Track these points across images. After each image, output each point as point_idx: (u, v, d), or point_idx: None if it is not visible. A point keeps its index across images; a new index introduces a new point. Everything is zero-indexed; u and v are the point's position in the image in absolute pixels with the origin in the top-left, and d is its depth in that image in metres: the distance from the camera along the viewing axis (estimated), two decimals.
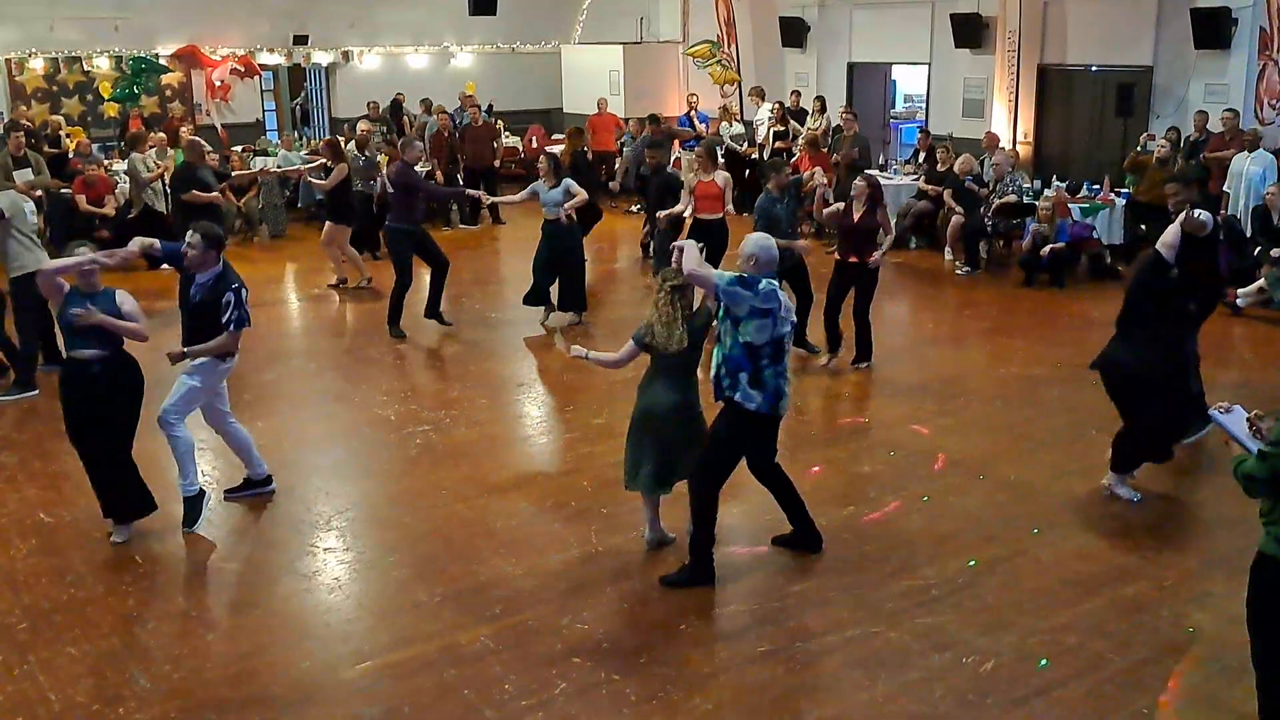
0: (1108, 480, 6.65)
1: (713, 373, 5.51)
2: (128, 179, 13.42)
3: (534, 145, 18.31)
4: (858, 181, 9.00)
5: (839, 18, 17.68)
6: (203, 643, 5.17)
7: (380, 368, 9.51)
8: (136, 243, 6.22)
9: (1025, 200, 12.88)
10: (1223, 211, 11.55)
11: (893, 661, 4.97)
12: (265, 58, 18.66)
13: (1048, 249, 12.01)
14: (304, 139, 18.03)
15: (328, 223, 12.12)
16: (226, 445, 6.69)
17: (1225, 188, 12.21)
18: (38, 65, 16.97)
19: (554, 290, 10.67)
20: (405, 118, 18.38)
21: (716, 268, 6.70)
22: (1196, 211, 7.40)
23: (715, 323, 5.58)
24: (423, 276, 10.56)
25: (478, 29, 19.76)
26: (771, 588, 5.70)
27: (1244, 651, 4.85)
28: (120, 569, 5.86)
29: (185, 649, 5.10)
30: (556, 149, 18.22)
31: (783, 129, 16.20)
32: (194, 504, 6.29)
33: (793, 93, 17.13)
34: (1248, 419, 4.14)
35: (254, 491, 6.69)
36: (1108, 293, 11.87)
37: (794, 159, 14.42)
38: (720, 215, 10.04)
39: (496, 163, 16.78)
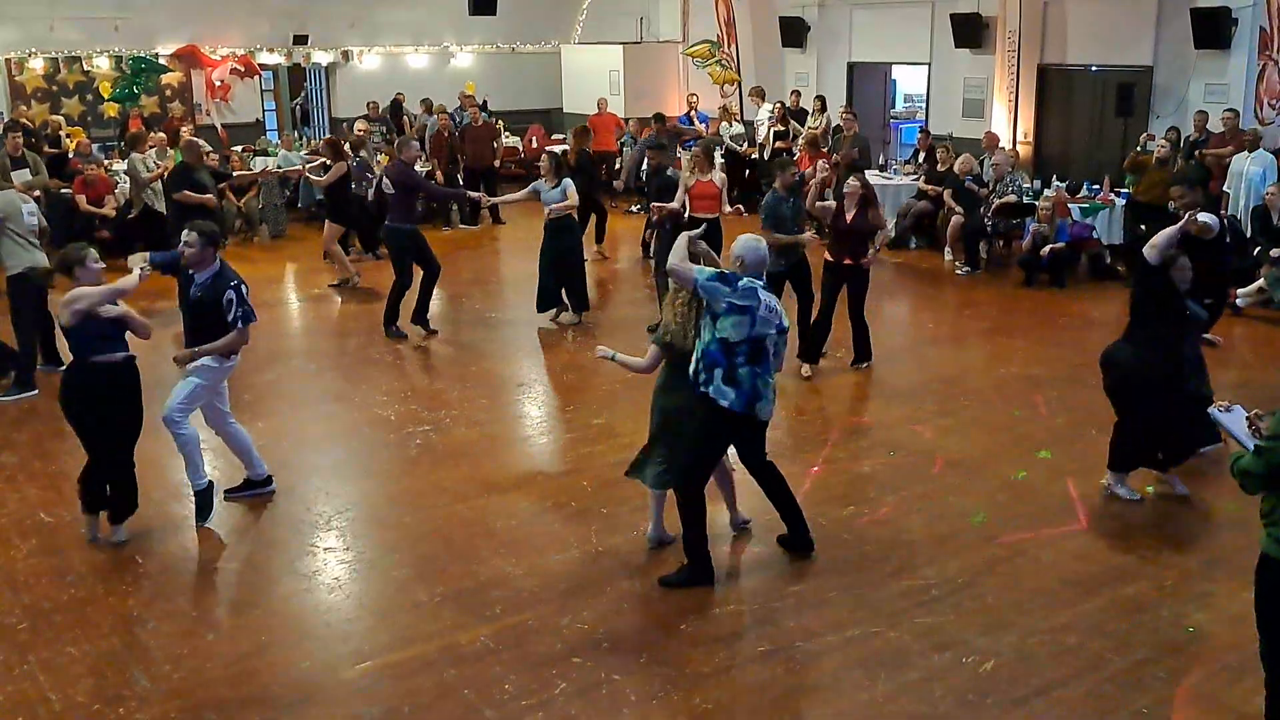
0: (1107, 480, 6.67)
1: (691, 367, 5.55)
2: (128, 179, 13.42)
3: (534, 145, 18.32)
4: (850, 181, 8.94)
5: (839, 18, 17.68)
6: (203, 643, 5.17)
7: (380, 368, 9.51)
8: (135, 269, 6.19)
9: (1025, 200, 12.88)
10: (1223, 212, 11.54)
11: (893, 661, 4.97)
12: (265, 58, 18.67)
13: (1048, 249, 12.01)
14: (304, 139, 18.03)
15: (329, 223, 12.11)
16: (226, 446, 6.69)
17: (1225, 188, 12.20)
18: (38, 65, 16.97)
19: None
20: (405, 118, 18.38)
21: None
22: (1201, 215, 7.41)
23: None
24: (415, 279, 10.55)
25: (478, 29, 19.76)
26: (771, 588, 5.70)
27: (1244, 651, 4.87)
28: (120, 569, 5.86)
29: (185, 649, 5.10)
30: (557, 149, 18.30)
31: (783, 129, 16.20)
32: (205, 496, 6.35)
33: (793, 93, 17.13)
34: (1247, 418, 4.16)
35: (254, 492, 6.69)
36: (1108, 293, 11.90)
37: (794, 159, 14.42)
38: (715, 215, 10.05)
39: (496, 163, 16.78)
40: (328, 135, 15.63)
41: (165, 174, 12.99)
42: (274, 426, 8.02)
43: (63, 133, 15.62)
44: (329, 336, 10.76)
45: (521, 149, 18.81)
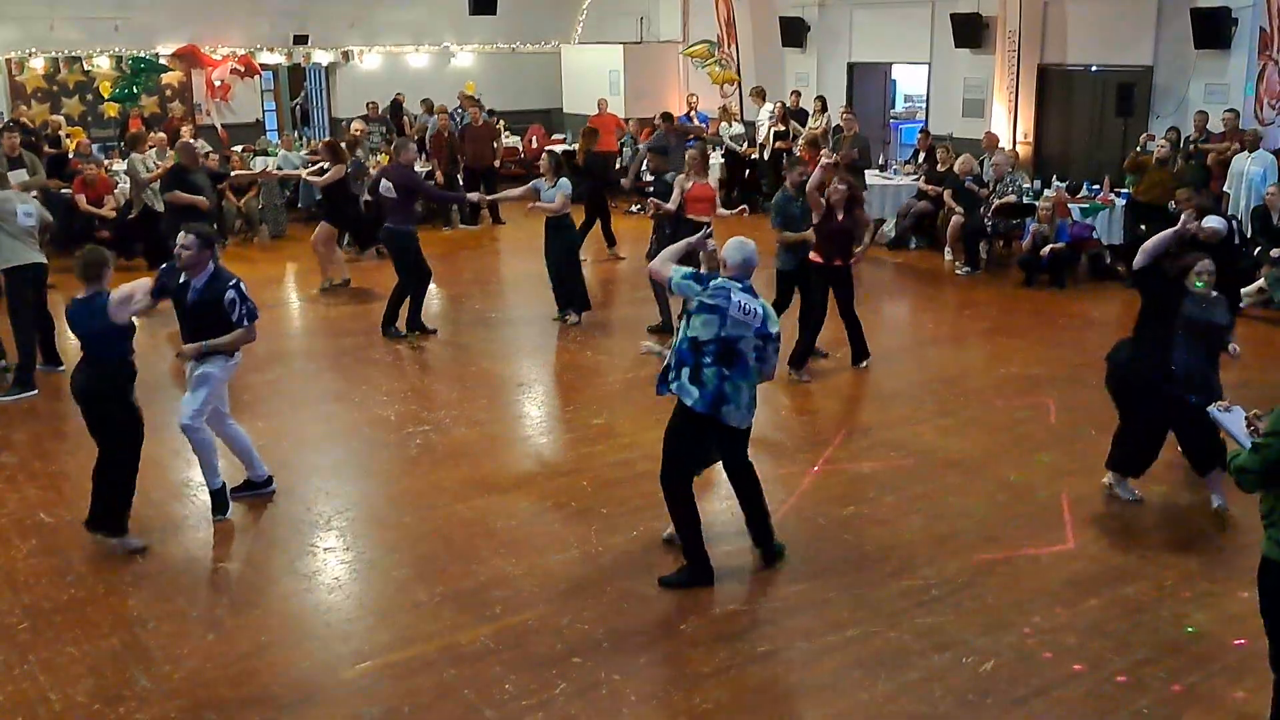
0: (1108, 479, 6.66)
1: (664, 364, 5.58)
2: (127, 179, 13.42)
3: (534, 145, 18.32)
4: (836, 184, 8.88)
5: (839, 18, 17.68)
6: (203, 643, 5.17)
7: (380, 368, 9.51)
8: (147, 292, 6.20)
9: (1025, 200, 12.88)
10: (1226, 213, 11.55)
11: (893, 661, 4.97)
12: (265, 57, 18.66)
13: (1048, 249, 12.01)
14: (304, 139, 18.03)
15: (321, 223, 12.07)
16: (226, 447, 6.69)
17: (1226, 188, 12.20)
18: (38, 65, 16.96)
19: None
20: (405, 118, 18.38)
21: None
22: (1208, 220, 7.38)
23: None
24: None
25: (478, 29, 19.76)
26: (771, 588, 5.70)
27: (1244, 651, 4.87)
28: (120, 569, 5.86)
29: (185, 649, 5.10)
30: (557, 149, 18.30)
31: (783, 129, 16.20)
32: (221, 494, 6.43)
33: (793, 93, 17.12)
34: (1246, 418, 4.16)
35: (255, 493, 6.70)
36: (1108, 293, 11.90)
37: (803, 159, 14.42)
38: (709, 218, 10.09)
39: (496, 163, 16.78)
40: (327, 137, 15.63)
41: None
42: (274, 426, 8.02)
43: (63, 133, 15.61)
44: (329, 336, 10.75)
45: (521, 149, 18.81)
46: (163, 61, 17.78)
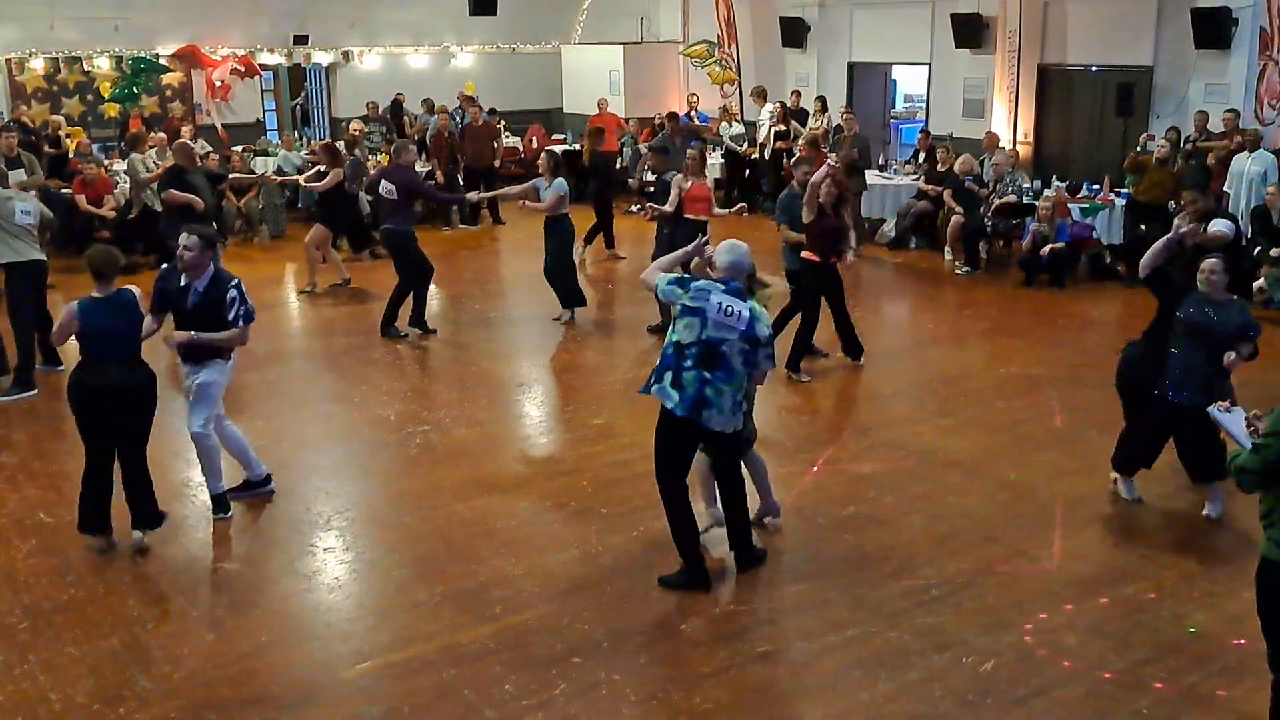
0: (1115, 476, 6.67)
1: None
2: (127, 179, 13.42)
3: (534, 145, 18.32)
4: (829, 186, 8.88)
5: (839, 18, 17.68)
6: (203, 643, 5.17)
7: (380, 368, 9.51)
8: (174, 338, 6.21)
9: (1025, 200, 12.88)
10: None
11: (893, 661, 4.96)
12: (265, 58, 18.66)
13: (1047, 249, 12.01)
14: (304, 139, 18.03)
15: (316, 225, 12.04)
16: (223, 448, 6.68)
17: (1226, 188, 12.20)
18: (38, 65, 16.96)
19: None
20: (405, 118, 18.38)
21: None
22: (1214, 225, 7.34)
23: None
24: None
25: (478, 29, 19.75)
26: (772, 588, 5.70)
27: (1244, 651, 4.87)
28: (120, 569, 5.86)
29: (185, 649, 5.10)
30: (557, 149, 18.31)
31: (784, 129, 16.20)
32: (222, 496, 6.46)
33: (793, 93, 17.12)
34: (1246, 418, 4.16)
35: (253, 493, 6.70)
36: (1107, 293, 11.91)
37: (794, 159, 14.41)
38: (706, 218, 10.12)
39: (496, 163, 16.78)
40: (327, 137, 15.61)
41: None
42: (274, 426, 8.02)
43: (62, 133, 15.61)
44: (329, 336, 10.75)
45: (521, 149, 18.81)
46: (163, 61, 17.78)
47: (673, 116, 15.96)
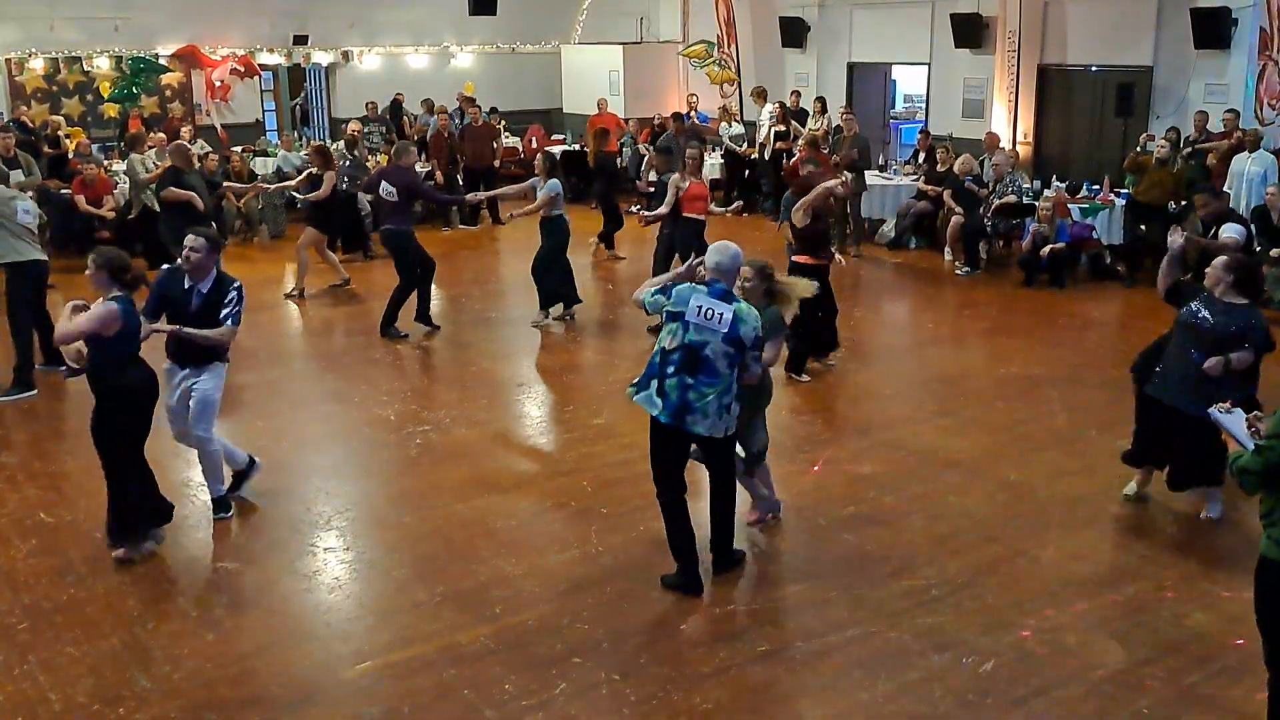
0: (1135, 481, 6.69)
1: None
2: (127, 179, 13.42)
3: (534, 145, 18.33)
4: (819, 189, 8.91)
5: (839, 18, 17.69)
6: (203, 643, 5.17)
7: (380, 368, 9.51)
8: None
9: (1025, 200, 12.89)
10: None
11: (893, 661, 4.96)
12: (265, 58, 18.66)
13: (1047, 249, 12.01)
14: (304, 139, 18.02)
15: (308, 228, 12.00)
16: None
17: (1226, 188, 12.19)
18: (38, 65, 16.96)
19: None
20: (405, 118, 18.38)
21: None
22: (1225, 230, 7.29)
23: None
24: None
25: (478, 29, 19.75)
26: (772, 588, 5.70)
27: (1244, 651, 4.87)
28: (120, 569, 5.86)
29: (185, 649, 5.10)
30: (556, 149, 18.30)
31: (784, 129, 16.20)
32: (223, 498, 6.48)
33: (793, 93, 17.12)
34: (1247, 419, 4.15)
35: (246, 483, 6.68)
36: (1107, 293, 11.91)
37: (794, 159, 14.41)
38: (704, 217, 10.13)
39: (496, 163, 16.78)
40: (327, 138, 15.59)
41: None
42: (274, 426, 8.03)
43: (62, 133, 15.62)
44: (329, 336, 10.76)
45: (521, 149, 18.82)
46: (163, 62, 17.78)
47: (677, 117, 15.94)
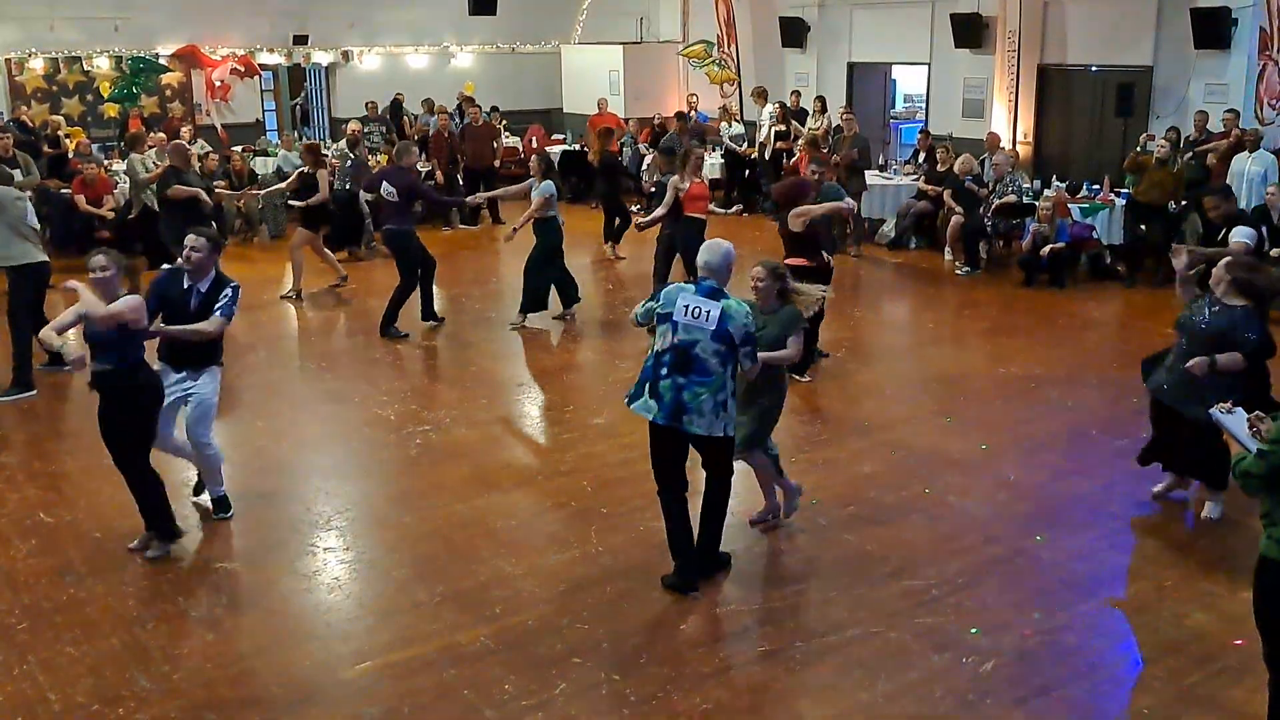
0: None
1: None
2: (127, 179, 13.42)
3: (534, 145, 18.34)
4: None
5: (839, 18, 17.69)
6: (203, 643, 5.17)
7: (380, 368, 9.51)
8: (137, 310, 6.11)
9: (1025, 200, 12.89)
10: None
11: (893, 661, 4.96)
12: (265, 58, 18.66)
13: (1048, 249, 12.01)
14: (304, 139, 18.02)
15: (300, 229, 11.97)
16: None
17: None
18: (38, 65, 16.97)
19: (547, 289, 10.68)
20: (405, 118, 18.38)
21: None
22: (1235, 235, 7.26)
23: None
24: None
25: (478, 29, 19.76)
26: (771, 588, 5.70)
27: (1244, 651, 4.87)
28: (120, 569, 5.86)
29: (185, 649, 5.10)
30: (556, 149, 18.32)
31: (784, 129, 16.21)
32: (223, 498, 6.47)
33: (793, 93, 17.13)
34: (1248, 420, 4.15)
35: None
36: (1107, 293, 11.91)
37: (794, 159, 14.42)
38: (705, 217, 10.14)
39: (496, 163, 16.78)
40: (307, 140, 15.52)
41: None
42: (274, 427, 8.03)
43: (62, 133, 15.62)
44: (329, 336, 10.76)
45: (521, 149, 18.82)
46: (163, 61, 17.79)
47: (680, 116, 15.93)
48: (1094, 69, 14.73)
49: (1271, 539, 3.86)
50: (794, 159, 14.40)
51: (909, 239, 14.17)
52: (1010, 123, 15.17)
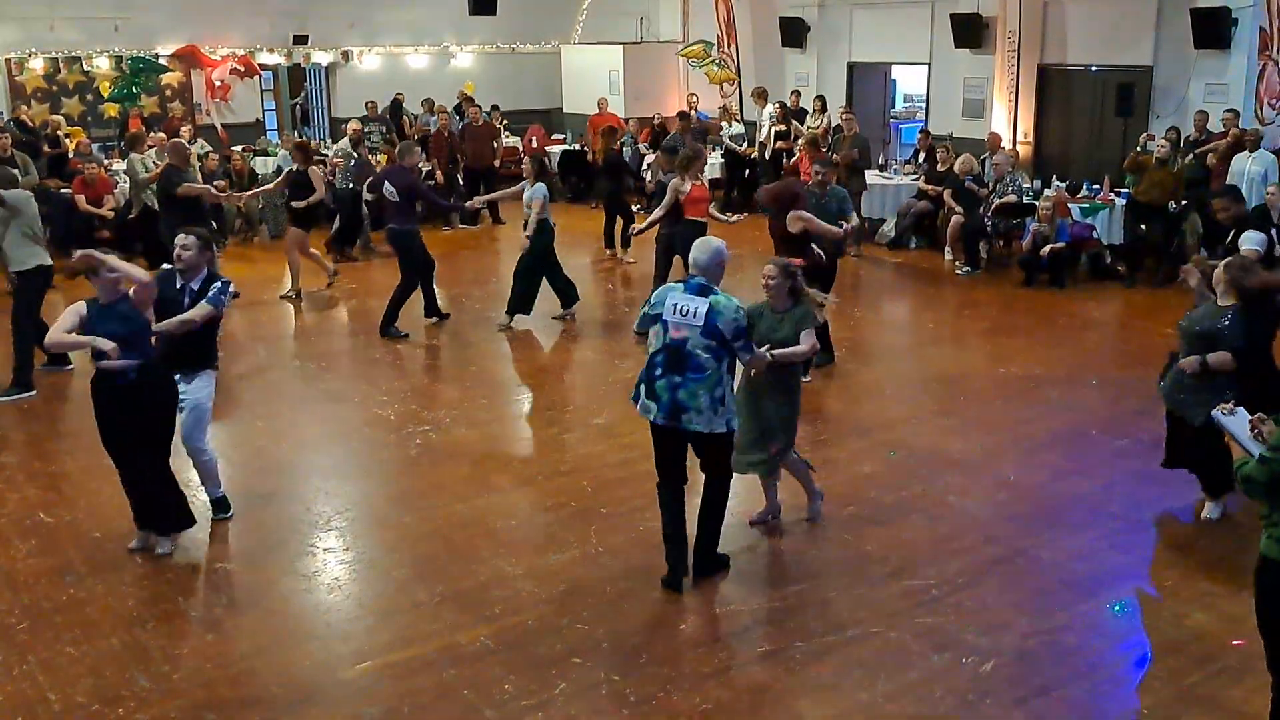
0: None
1: None
2: (127, 179, 13.42)
3: (534, 145, 18.34)
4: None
5: (839, 18, 17.69)
6: (203, 643, 5.17)
7: (380, 368, 9.52)
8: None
9: (1025, 200, 12.88)
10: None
11: (893, 661, 4.96)
12: (265, 58, 18.66)
13: (1048, 249, 12.01)
14: (305, 139, 18.01)
15: (290, 228, 11.93)
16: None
17: None
18: (38, 65, 16.96)
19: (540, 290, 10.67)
20: (405, 118, 18.38)
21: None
22: (1245, 240, 7.23)
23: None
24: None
25: (478, 29, 19.76)
26: (771, 588, 5.70)
27: (1244, 651, 4.87)
28: (120, 569, 5.86)
29: (185, 649, 5.10)
30: (556, 149, 18.32)
31: (784, 128, 16.20)
32: (223, 502, 6.46)
33: (793, 93, 17.13)
34: (1250, 421, 4.15)
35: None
36: (1107, 293, 11.90)
37: (794, 159, 14.42)
38: (706, 219, 10.13)
39: (496, 162, 16.78)
40: (297, 138, 15.49)
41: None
42: (274, 427, 8.03)
43: (62, 132, 15.62)
44: (329, 336, 10.76)
45: (521, 149, 18.81)
46: (163, 61, 17.78)
47: (683, 115, 15.93)
48: (1094, 69, 14.73)
49: (1272, 539, 3.85)
50: (794, 159, 14.40)
51: (909, 239, 14.17)
52: (1010, 123, 15.17)
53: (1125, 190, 12.83)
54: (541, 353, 10.08)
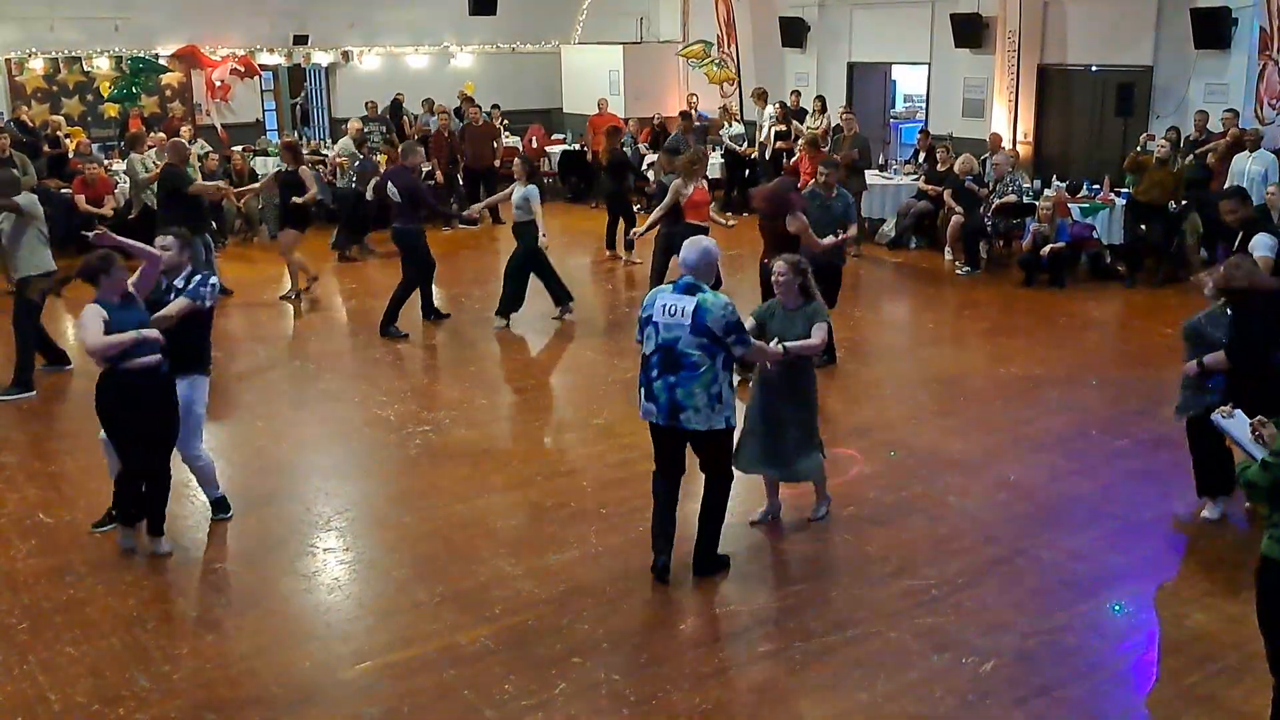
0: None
1: None
2: (127, 179, 13.42)
3: (534, 145, 18.35)
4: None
5: (839, 18, 17.69)
6: (203, 643, 5.17)
7: (380, 368, 9.51)
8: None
9: (1025, 200, 12.88)
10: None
11: (893, 661, 4.96)
12: (265, 58, 18.66)
13: (1048, 249, 12.01)
14: (304, 139, 18.03)
15: (285, 229, 11.85)
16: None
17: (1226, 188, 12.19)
18: (38, 65, 16.96)
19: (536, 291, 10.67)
20: (405, 118, 18.38)
21: None
22: (1256, 246, 7.24)
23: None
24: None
25: (478, 29, 19.76)
26: (771, 588, 5.70)
27: (1244, 651, 4.87)
28: (120, 569, 5.86)
29: (185, 649, 5.10)
30: (556, 149, 18.32)
31: (784, 129, 16.20)
32: (222, 502, 6.45)
33: (793, 93, 17.12)
34: (1250, 424, 4.14)
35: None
36: (1107, 293, 11.90)
37: (794, 159, 14.41)
38: (707, 222, 10.13)
39: (496, 162, 16.78)
40: (284, 139, 15.46)
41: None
42: (274, 427, 8.02)
43: (62, 133, 15.62)
44: (329, 336, 10.75)
45: (521, 149, 18.81)
46: (163, 61, 17.78)
47: (685, 115, 15.91)
48: (1094, 69, 14.73)
49: (1273, 539, 3.85)
50: (794, 159, 14.39)
51: (909, 239, 14.16)
52: (1010, 123, 15.17)
53: (1125, 190, 12.83)
54: (541, 353, 10.08)
